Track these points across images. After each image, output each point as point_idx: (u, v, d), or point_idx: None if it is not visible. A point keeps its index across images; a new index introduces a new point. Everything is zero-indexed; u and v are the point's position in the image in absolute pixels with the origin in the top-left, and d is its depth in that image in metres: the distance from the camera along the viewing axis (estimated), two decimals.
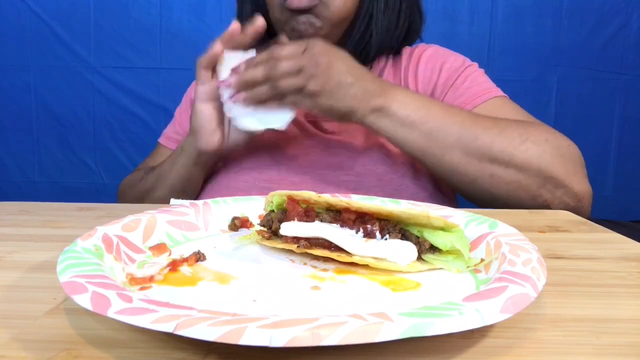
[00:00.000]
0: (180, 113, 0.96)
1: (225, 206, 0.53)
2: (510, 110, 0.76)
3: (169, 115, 1.00)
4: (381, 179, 0.75)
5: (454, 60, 0.84)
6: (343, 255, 0.39)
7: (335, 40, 0.84)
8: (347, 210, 0.41)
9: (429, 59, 0.85)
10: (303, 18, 0.78)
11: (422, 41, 0.90)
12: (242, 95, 0.69)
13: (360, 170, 0.77)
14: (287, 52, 0.66)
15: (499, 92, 0.80)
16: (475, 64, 0.85)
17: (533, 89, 1.46)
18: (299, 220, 0.42)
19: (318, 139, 0.82)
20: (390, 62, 0.87)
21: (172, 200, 0.80)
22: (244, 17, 0.85)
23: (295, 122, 0.82)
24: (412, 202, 0.57)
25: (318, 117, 0.83)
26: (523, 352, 0.28)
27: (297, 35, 0.79)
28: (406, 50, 0.88)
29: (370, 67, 0.86)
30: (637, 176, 1.66)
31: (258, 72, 0.67)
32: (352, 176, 0.76)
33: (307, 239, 0.41)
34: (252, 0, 0.86)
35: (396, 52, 0.87)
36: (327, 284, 0.36)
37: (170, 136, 0.95)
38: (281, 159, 0.80)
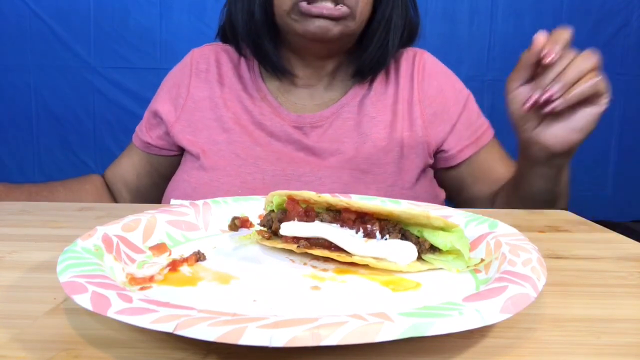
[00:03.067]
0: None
1: (225, 206, 0.53)
2: (503, 153, 0.85)
3: None
4: (369, 187, 0.75)
5: (455, 81, 0.86)
6: (343, 255, 0.39)
7: (345, 50, 0.82)
8: (347, 210, 0.41)
9: (432, 73, 0.84)
10: (322, 22, 0.73)
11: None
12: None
13: (347, 178, 0.76)
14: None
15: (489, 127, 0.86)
16: (468, 91, 0.87)
17: None
18: (299, 220, 0.42)
19: (305, 147, 0.80)
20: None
21: (172, 201, 0.80)
22: (235, 6, 0.81)
23: (281, 129, 0.81)
24: (411, 202, 0.58)
25: (306, 124, 0.81)
26: (523, 352, 0.28)
27: (307, 38, 0.76)
28: (404, 54, 0.86)
29: (372, 80, 0.84)
30: (637, 176, 1.66)
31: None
32: (340, 184, 0.75)
33: (307, 239, 0.41)
34: None
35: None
36: (327, 284, 0.36)
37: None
38: (266, 166, 0.78)
